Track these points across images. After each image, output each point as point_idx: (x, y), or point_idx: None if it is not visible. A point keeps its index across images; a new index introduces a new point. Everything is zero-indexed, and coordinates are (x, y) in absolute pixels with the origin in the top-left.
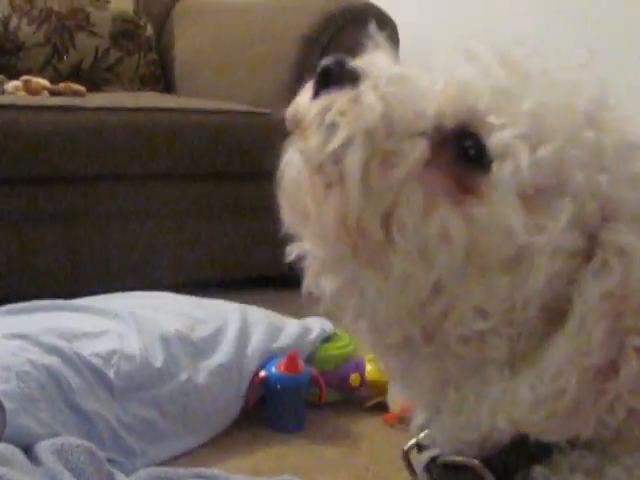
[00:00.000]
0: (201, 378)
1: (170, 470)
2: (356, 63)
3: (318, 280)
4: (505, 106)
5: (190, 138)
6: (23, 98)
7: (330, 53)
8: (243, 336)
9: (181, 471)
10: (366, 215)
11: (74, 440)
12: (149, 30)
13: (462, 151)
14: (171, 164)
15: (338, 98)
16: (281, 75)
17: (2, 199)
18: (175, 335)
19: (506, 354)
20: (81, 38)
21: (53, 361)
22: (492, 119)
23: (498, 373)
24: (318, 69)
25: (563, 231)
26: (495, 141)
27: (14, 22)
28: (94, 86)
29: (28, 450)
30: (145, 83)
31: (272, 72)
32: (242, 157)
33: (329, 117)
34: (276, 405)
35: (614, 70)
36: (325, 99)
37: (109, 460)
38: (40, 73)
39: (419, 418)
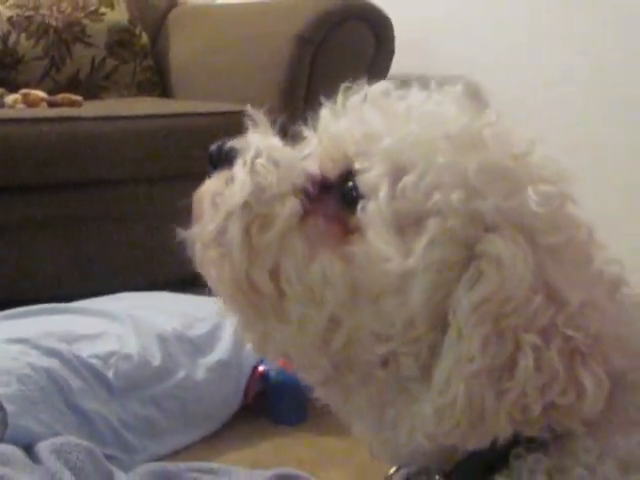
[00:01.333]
0: (199, 375)
1: (170, 465)
2: (233, 144)
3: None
4: (371, 148)
5: (187, 141)
6: (21, 111)
7: (324, 52)
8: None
9: (181, 466)
10: (254, 273)
11: (73, 440)
12: (144, 38)
13: (344, 196)
14: (169, 167)
15: (216, 181)
16: (276, 75)
17: (3, 207)
18: (172, 334)
19: (418, 371)
20: (78, 49)
21: (52, 363)
22: (359, 162)
23: (419, 389)
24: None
25: (429, 249)
26: (362, 182)
27: (13, 37)
28: (92, 95)
29: (29, 450)
30: (142, 89)
31: (267, 72)
32: None
33: (210, 200)
34: (277, 399)
35: None
36: (208, 184)
37: (111, 457)
38: (39, 85)
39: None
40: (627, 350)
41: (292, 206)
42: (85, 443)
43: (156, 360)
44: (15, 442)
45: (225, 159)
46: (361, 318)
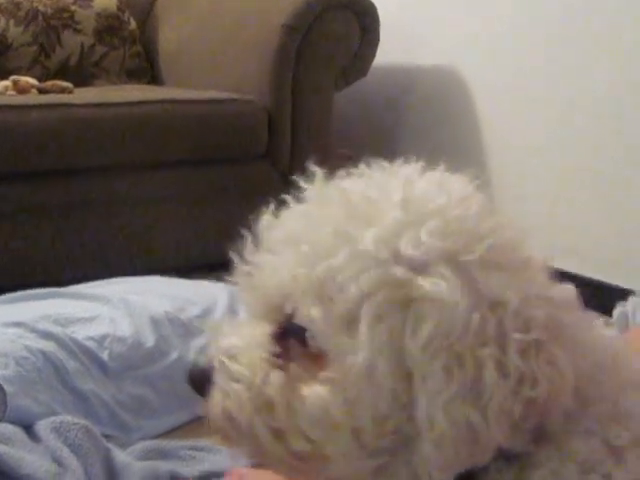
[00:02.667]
0: (192, 356)
1: (164, 443)
2: (198, 372)
3: None
4: (294, 288)
5: (177, 127)
6: (13, 98)
7: (310, 40)
8: (232, 314)
9: (175, 443)
10: (293, 446)
11: (72, 419)
12: (132, 24)
13: (296, 336)
14: (159, 153)
15: (215, 401)
16: (263, 62)
17: None
18: (165, 316)
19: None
20: (67, 36)
21: (49, 346)
22: (288, 305)
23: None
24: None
25: (372, 331)
26: (298, 319)
27: (2, 24)
28: (82, 81)
29: (28, 429)
30: (131, 76)
31: (255, 60)
32: (228, 142)
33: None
34: None
35: None
36: (211, 405)
37: (106, 436)
38: (28, 72)
39: None
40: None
41: (276, 378)
42: (83, 422)
43: (149, 342)
44: (15, 422)
45: (202, 383)
46: (367, 415)
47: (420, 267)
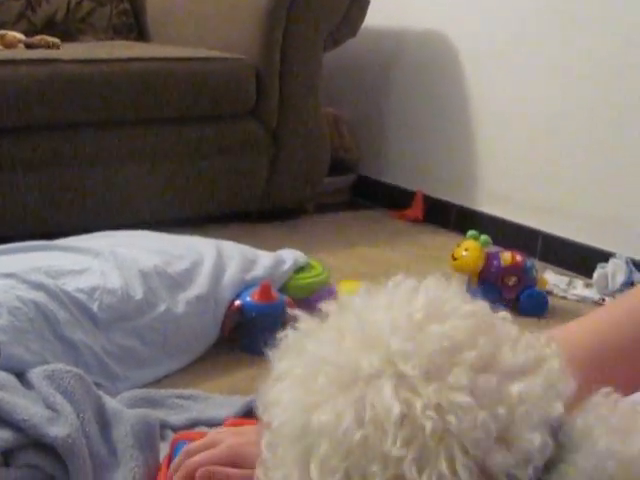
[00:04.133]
0: (179, 308)
1: (153, 391)
2: None
3: None
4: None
5: (165, 85)
6: (0, 52)
7: (300, 1)
8: (218, 268)
9: (163, 392)
10: None
11: (64, 366)
12: None
13: None
14: (146, 110)
15: None
16: (252, 21)
17: None
18: (153, 270)
19: None
20: None
21: (40, 297)
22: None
23: None
24: None
25: None
26: None
27: None
28: (68, 37)
29: (20, 377)
30: (118, 32)
31: (245, 18)
32: (216, 100)
33: None
34: (251, 331)
35: None
36: None
37: (96, 384)
38: (14, 27)
39: None
40: None
41: None
42: (75, 370)
43: (138, 294)
44: (8, 370)
45: None
46: None
47: None
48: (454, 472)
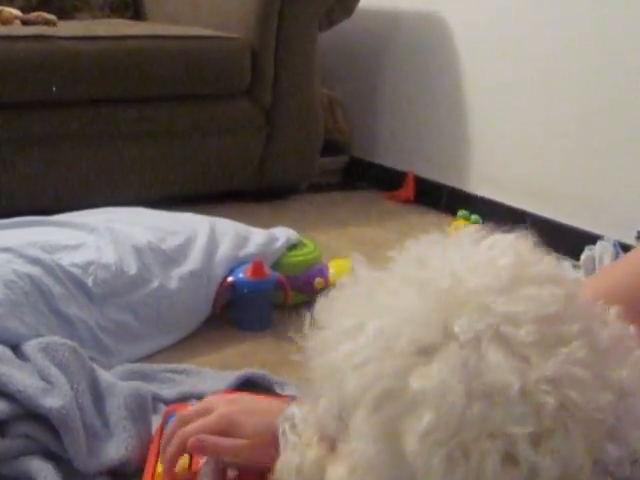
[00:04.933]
0: (172, 284)
1: (145, 366)
2: None
3: None
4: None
5: (161, 63)
6: None
7: None
8: (211, 245)
9: (155, 366)
10: None
11: (59, 339)
12: None
13: None
14: (143, 88)
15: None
16: (249, 4)
17: None
18: (147, 245)
19: None
20: None
21: (35, 271)
22: None
23: None
24: None
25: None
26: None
27: None
28: (64, 14)
29: (16, 349)
30: (114, 10)
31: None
32: (211, 79)
33: None
34: (244, 308)
35: None
36: None
37: (90, 358)
38: (10, 3)
39: None
40: None
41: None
42: (69, 342)
43: (132, 270)
44: (3, 342)
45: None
46: None
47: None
48: (572, 450)
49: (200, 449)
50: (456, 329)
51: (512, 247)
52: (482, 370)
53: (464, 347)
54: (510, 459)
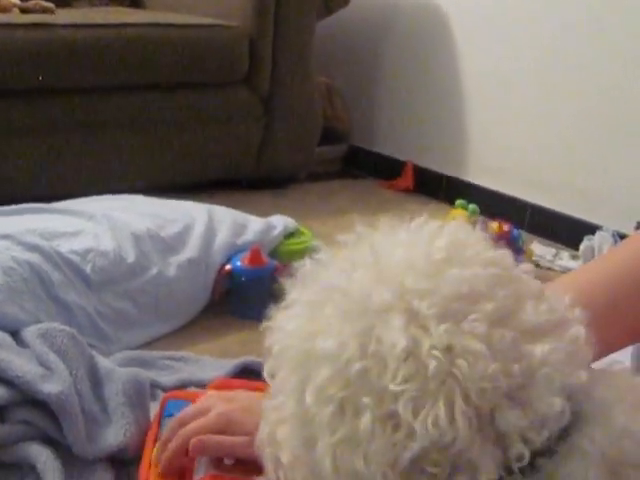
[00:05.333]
0: (171, 271)
1: (144, 353)
2: None
3: None
4: None
5: (159, 51)
6: None
7: None
8: (209, 233)
9: (154, 354)
10: None
11: (58, 325)
12: None
13: None
14: (139, 76)
15: None
16: None
17: None
18: (146, 233)
19: None
20: None
21: (34, 258)
22: None
23: None
24: None
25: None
26: None
27: None
28: (62, 2)
29: (15, 335)
30: None
31: None
32: (209, 67)
33: None
34: (241, 295)
35: None
36: None
37: (88, 345)
38: None
39: None
40: None
41: None
42: (68, 329)
43: (130, 257)
44: (2, 328)
45: None
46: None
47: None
48: (452, 418)
49: (201, 450)
50: (374, 300)
51: (453, 233)
52: (381, 335)
53: (374, 316)
54: (389, 420)
